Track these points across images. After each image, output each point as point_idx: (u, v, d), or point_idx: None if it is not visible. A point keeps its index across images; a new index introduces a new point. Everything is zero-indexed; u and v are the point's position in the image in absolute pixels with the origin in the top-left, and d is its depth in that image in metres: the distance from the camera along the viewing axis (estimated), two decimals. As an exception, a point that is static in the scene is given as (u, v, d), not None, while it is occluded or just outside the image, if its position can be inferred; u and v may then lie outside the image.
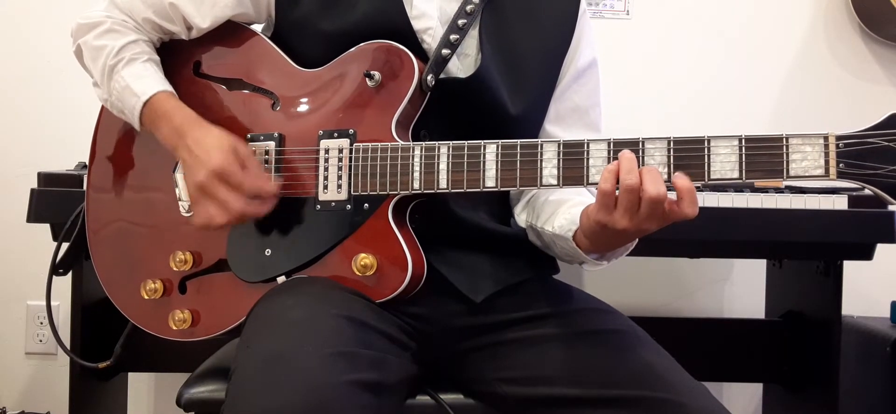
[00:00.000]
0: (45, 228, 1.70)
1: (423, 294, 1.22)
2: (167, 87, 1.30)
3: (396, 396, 1.14)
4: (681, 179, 1.05)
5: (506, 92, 1.28)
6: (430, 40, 1.27)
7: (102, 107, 1.38)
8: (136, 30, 1.33)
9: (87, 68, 1.35)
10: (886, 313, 2.19)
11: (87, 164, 1.39)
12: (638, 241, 1.17)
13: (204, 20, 1.31)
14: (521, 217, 1.34)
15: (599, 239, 1.12)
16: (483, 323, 1.25)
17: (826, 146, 1.03)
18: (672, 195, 1.05)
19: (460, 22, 1.26)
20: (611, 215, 1.06)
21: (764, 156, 1.05)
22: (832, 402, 1.93)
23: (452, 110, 1.26)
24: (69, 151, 1.94)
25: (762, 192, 1.75)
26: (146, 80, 1.29)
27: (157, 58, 1.34)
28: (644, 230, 1.06)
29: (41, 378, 2.40)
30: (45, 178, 1.72)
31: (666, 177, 1.07)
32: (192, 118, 1.26)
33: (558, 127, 1.35)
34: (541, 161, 1.14)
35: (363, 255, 1.19)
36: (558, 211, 1.23)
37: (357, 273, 1.19)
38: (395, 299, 1.19)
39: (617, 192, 1.05)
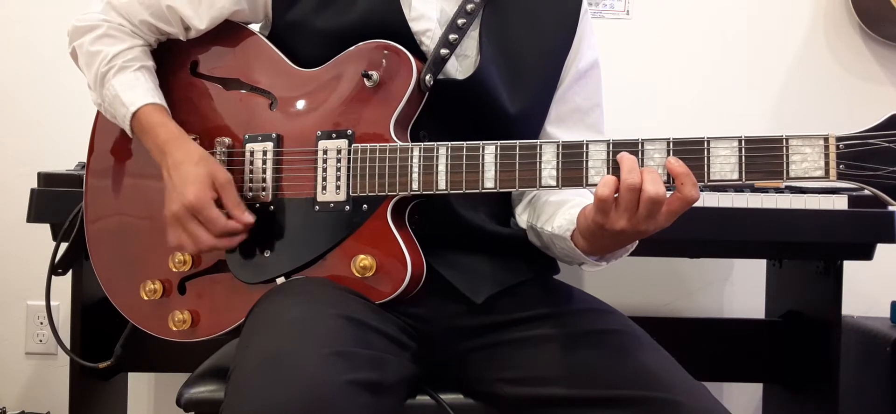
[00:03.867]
0: (45, 228, 1.70)
1: (423, 295, 1.22)
2: (155, 98, 1.30)
3: (396, 395, 1.14)
4: (675, 163, 1.04)
5: (505, 93, 1.27)
6: (429, 42, 1.26)
7: (98, 108, 1.39)
8: (131, 34, 1.32)
9: (83, 71, 1.35)
10: (886, 313, 2.18)
11: (85, 163, 1.39)
12: (638, 242, 1.17)
13: (201, 21, 1.31)
14: (522, 217, 1.34)
15: (597, 239, 1.11)
16: (483, 323, 1.25)
17: (826, 147, 1.03)
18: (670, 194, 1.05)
19: (460, 21, 1.25)
20: (608, 217, 1.05)
21: (764, 157, 1.05)
22: (832, 402, 1.93)
23: (451, 111, 1.25)
24: (69, 151, 1.94)
25: (762, 192, 1.75)
26: (136, 91, 1.29)
27: (150, 64, 1.34)
28: (642, 232, 1.06)
29: (41, 378, 2.40)
30: (45, 179, 1.73)
31: (665, 178, 1.06)
32: (174, 136, 1.26)
33: (559, 128, 1.34)
34: (540, 162, 1.13)
35: (362, 256, 1.19)
36: (558, 211, 1.22)
37: (356, 274, 1.19)
38: (394, 300, 1.19)
39: (615, 196, 1.05)
